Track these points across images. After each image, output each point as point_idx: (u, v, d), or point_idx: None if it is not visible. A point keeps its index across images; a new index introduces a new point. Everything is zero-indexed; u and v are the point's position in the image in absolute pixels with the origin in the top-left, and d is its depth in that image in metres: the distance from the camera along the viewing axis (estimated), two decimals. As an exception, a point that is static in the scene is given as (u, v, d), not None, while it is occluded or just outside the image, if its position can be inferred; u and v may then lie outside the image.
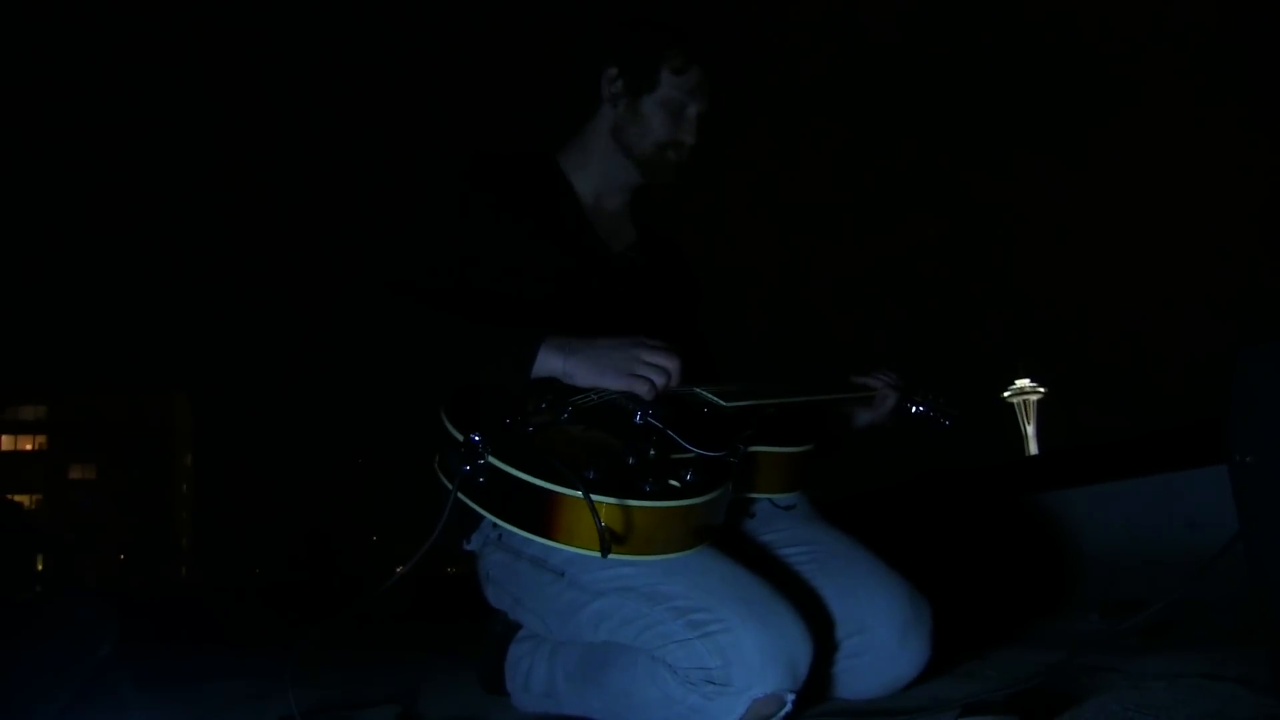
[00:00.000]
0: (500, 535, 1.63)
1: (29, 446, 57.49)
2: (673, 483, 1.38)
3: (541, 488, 1.33)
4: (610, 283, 1.84)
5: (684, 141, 1.83)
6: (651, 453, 1.42)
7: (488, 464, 1.35)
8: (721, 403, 1.61)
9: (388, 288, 1.65)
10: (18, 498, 54.90)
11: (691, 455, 1.44)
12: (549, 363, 1.56)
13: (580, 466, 1.34)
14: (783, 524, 1.69)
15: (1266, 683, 1.29)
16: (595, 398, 1.53)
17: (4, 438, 57.28)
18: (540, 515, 1.35)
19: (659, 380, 1.55)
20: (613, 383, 1.54)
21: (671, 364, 1.56)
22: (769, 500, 1.69)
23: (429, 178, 1.83)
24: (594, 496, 1.30)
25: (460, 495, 1.39)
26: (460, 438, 1.38)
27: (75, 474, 57.08)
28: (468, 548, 1.74)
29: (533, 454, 1.37)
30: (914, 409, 1.92)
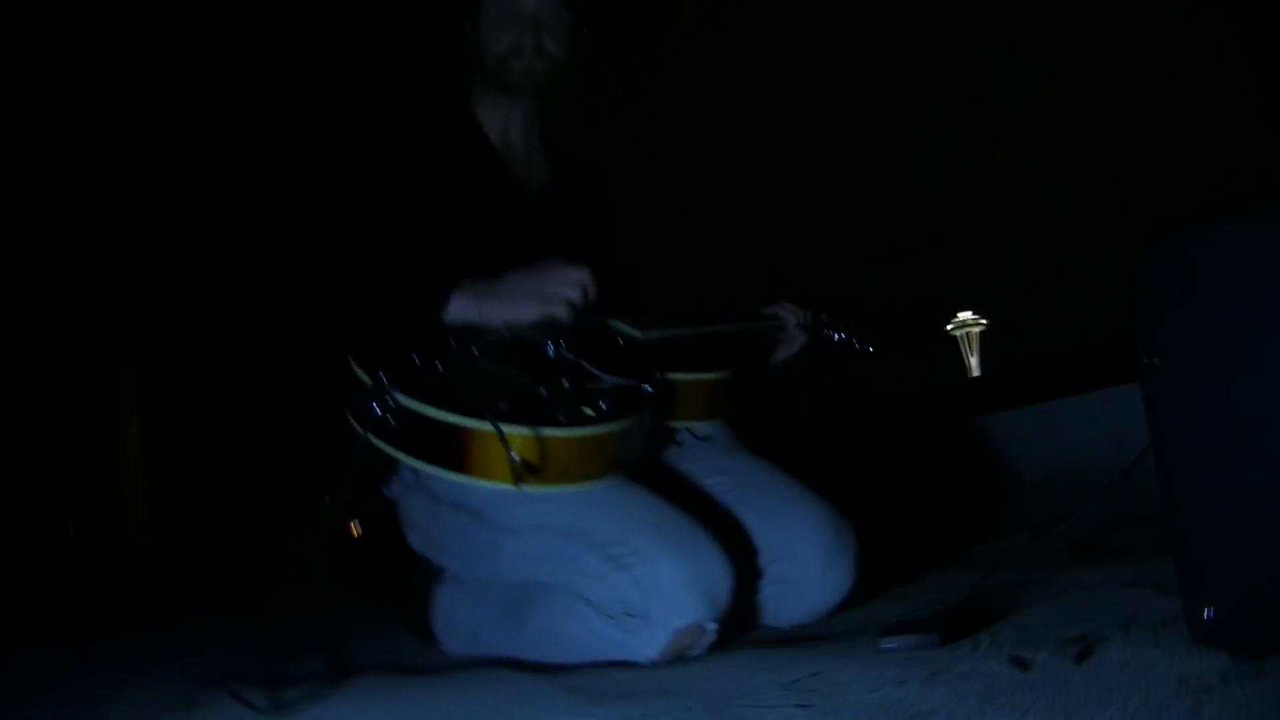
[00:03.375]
0: (419, 479, 1.59)
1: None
2: (587, 411, 1.35)
3: (451, 423, 1.30)
4: (522, 222, 1.81)
5: (522, 44, 1.79)
6: (565, 383, 1.39)
7: (396, 403, 1.31)
8: (637, 334, 1.58)
9: (291, 226, 1.60)
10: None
11: (606, 384, 1.41)
12: (463, 310, 1.53)
13: (492, 400, 1.31)
14: (703, 454, 1.66)
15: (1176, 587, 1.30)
16: (508, 334, 1.49)
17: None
18: (453, 451, 1.32)
19: (574, 295, 1.52)
20: (530, 312, 1.51)
21: (582, 276, 1.54)
22: (688, 430, 1.67)
23: (332, 118, 1.78)
24: (505, 427, 1.27)
25: (372, 438, 1.35)
26: (367, 379, 1.34)
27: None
28: (389, 495, 1.70)
29: (442, 390, 1.33)
30: (835, 336, 1.90)
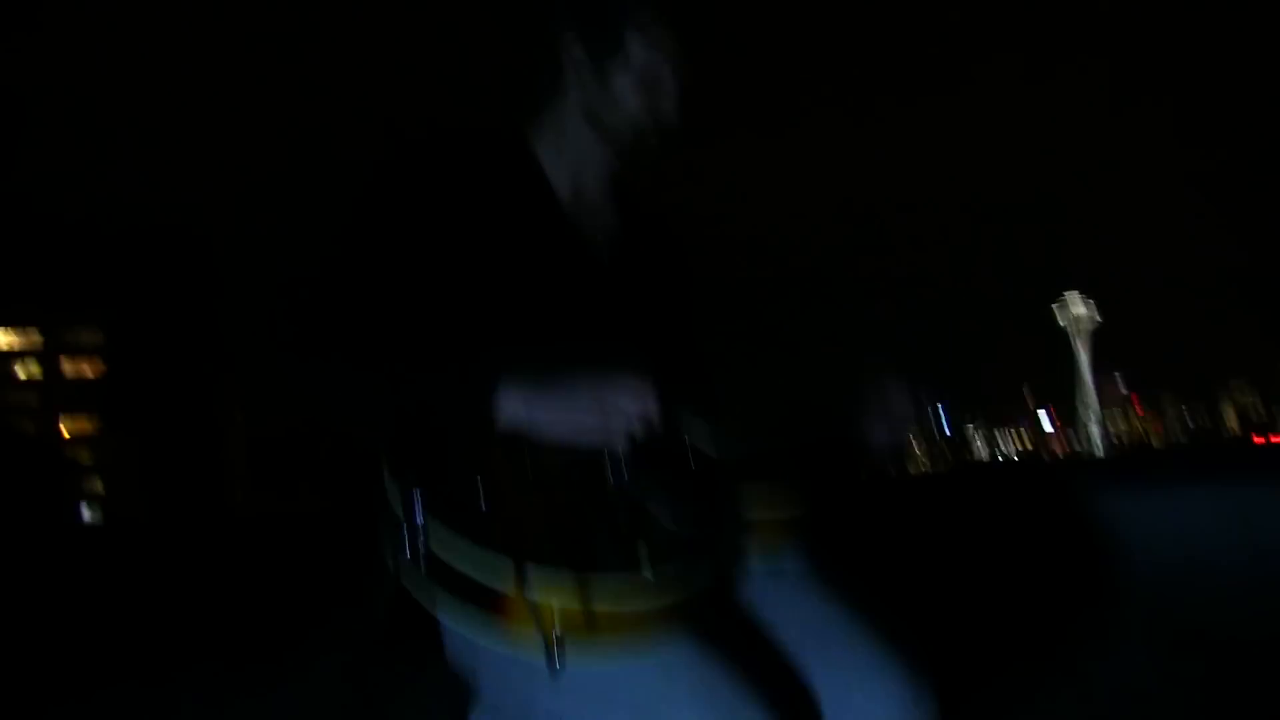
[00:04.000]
0: None
1: (87, 374, 58.95)
2: (646, 575, 1.16)
3: (486, 585, 1.13)
4: (585, 279, 1.60)
5: (662, 109, 1.57)
6: (623, 528, 1.21)
7: (428, 549, 1.15)
8: (713, 453, 1.38)
9: (308, 328, 1.42)
10: (76, 423, 56.74)
11: (674, 532, 1.22)
12: (510, 409, 1.34)
13: (537, 554, 1.13)
14: (772, 595, 1.45)
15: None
16: (563, 455, 1.31)
17: (65, 364, 58.74)
18: (487, 610, 1.15)
19: (636, 426, 1.32)
20: (583, 433, 1.32)
21: (650, 406, 1.34)
22: (760, 562, 1.47)
23: (362, 166, 1.58)
24: (549, 596, 1.09)
25: (402, 578, 1.19)
26: (400, 515, 1.18)
27: (131, 400, 58.33)
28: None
29: (482, 538, 1.16)
30: (936, 408, 1.68)
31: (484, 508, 1.18)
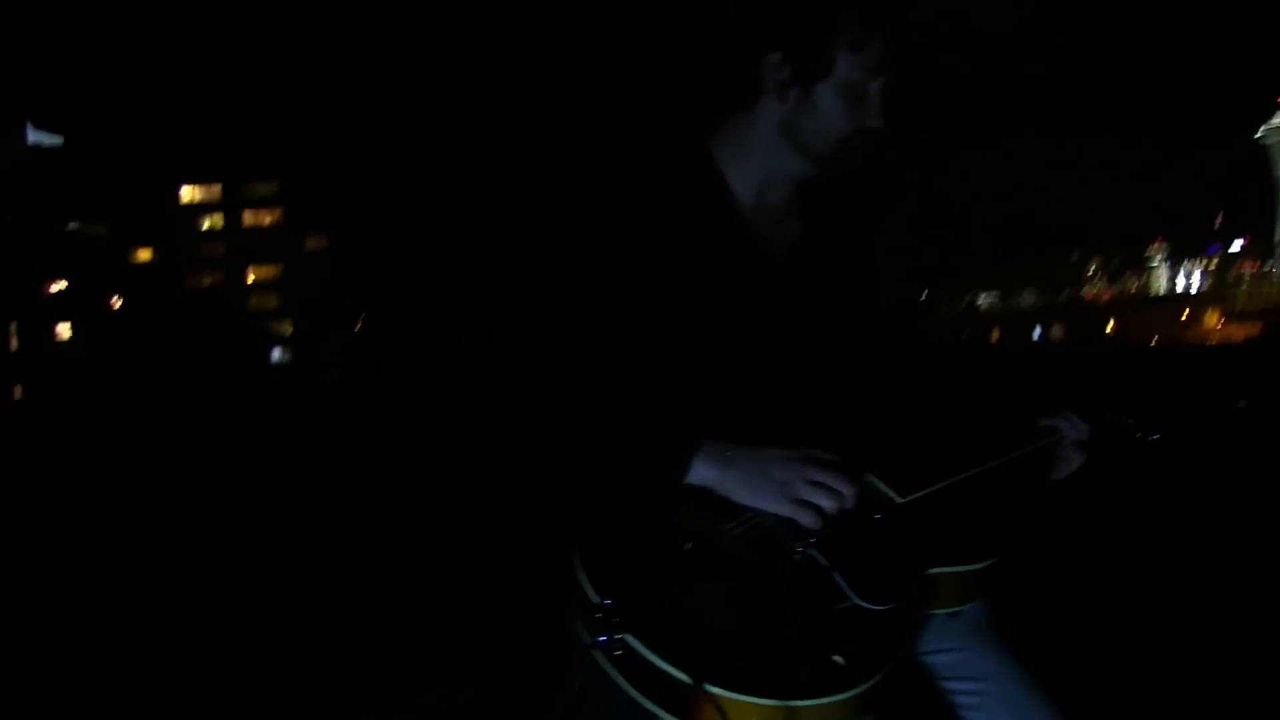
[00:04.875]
0: None
1: (266, 221, 61.74)
2: (836, 659, 1.19)
3: (679, 681, 1.18)
4: (768, 303, 1.55)
5: (870, 128, 1.49)
6: (811, 609, 1.23)
7: (622, 640, 1.21)
8: (895, 498, 1.38)
9: (513, 384, 1.45)
10: (257, 270, 59.77)
11: (859, 607, 1.24)
12: (703, 473, 1.35)
13: (727, 646, 1.17)
14: (948, 641, 1.45)
15: None
16: (747, 526, 1.33)
17: (244, 213, 61.60)
18: (678, 704, 1.21)
19: (828, 506, 1.31)
20: (773, 505, 1.32)
21: (846, 489, 1.32)
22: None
23: (542, 196, 1.55)
24: (740, 698, 1.14)
25: (597, 657, 1.26)
26: (594, 600, 1.23)
27: (311, 245, 60.71)
28: None
29: (673, 628, 1.21)
30: (1136, 434, 1.61)
31: (674, 591, 1.22)
